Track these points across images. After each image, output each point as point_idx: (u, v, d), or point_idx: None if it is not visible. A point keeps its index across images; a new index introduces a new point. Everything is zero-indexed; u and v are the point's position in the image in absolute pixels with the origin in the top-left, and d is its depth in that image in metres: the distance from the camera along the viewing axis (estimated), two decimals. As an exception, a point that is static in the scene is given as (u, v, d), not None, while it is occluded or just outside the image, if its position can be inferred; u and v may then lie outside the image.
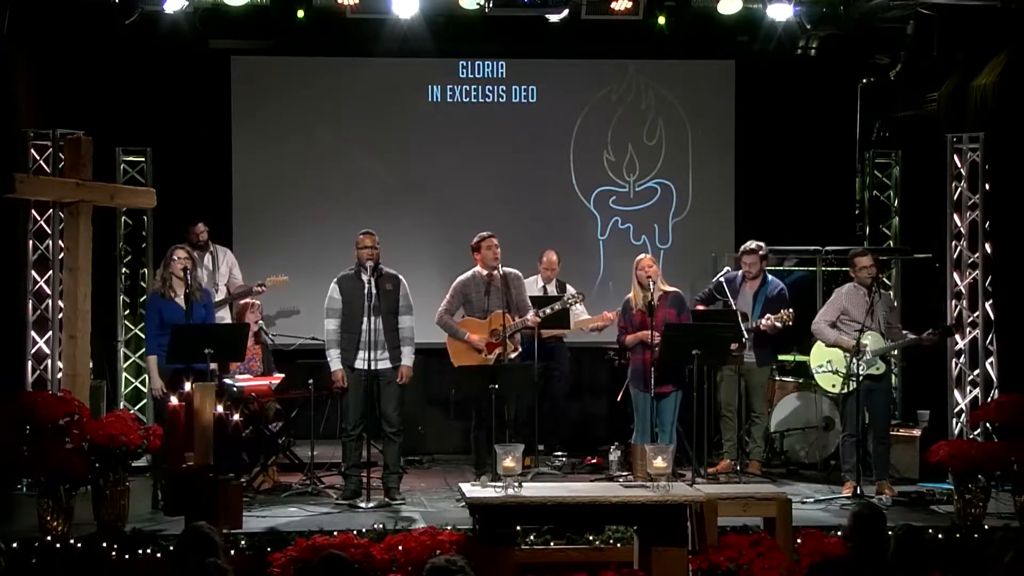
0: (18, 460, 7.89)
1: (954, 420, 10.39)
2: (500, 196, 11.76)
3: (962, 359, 10.40)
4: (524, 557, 7.50)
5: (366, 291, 9.03)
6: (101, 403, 10.19)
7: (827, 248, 11.44)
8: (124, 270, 11.15)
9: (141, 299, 10.86)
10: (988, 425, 9.65)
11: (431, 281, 10.73)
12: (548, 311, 9.73)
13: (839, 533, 7.40)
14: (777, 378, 10.83)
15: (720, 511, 7.37)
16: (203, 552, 5.58)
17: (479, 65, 11.84)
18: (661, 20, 10.62)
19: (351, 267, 9.21)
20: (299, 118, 11.67)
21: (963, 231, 10.46)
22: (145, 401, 10.87)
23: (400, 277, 9.21)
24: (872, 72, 11.80)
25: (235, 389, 9.32)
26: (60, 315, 9.38)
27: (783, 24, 10.65)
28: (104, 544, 7.61)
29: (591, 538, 7.73)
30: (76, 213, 8.78)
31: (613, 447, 9.91)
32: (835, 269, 11.43)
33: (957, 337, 10.33)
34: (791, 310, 9.86)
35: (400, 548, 7.39)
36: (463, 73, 11.84)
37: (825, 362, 9.61)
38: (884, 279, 11.45)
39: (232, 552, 7.35)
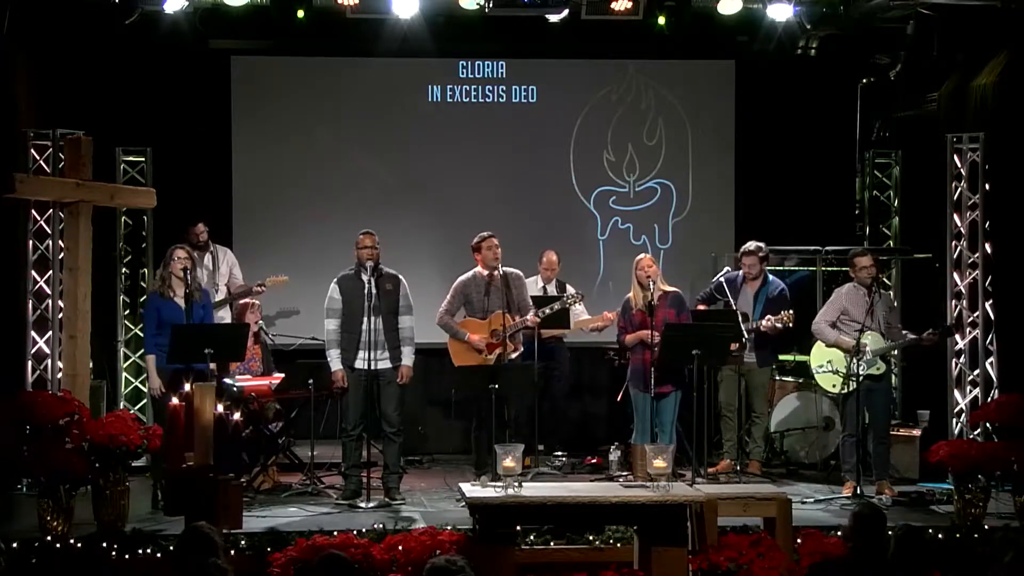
0: (18, 460, 7.89)
1: (954, 420, 10.39)
2: (500, 196, 11.76)
3: (962, 359, 10.40)
4: (524, 557, 7.50)
5: (366, 291, 9.03)
6: (101, 403, 10.19)
7: (827, 248, 11.44)
8: (124, 270, 11.15)
9: (141, 299, 10.84)
10: (988, 425, 9.65)
11: (431, 281, 10.74)
12: (548, 311, 9.73)
13: (839, 533, 7.41)
14: (777, 378, 10.82)
15: (720, 511, 7.37)
16: (203, 552, 5.58)
17: (479, 65, 11.84)
18: (661, 20, 10.63)
19: (351, 267, 9.21)
20: (299, 118, 11.67)
21: (963, 231, 10.46)
22: (145, 401, 10.85)
23: (400, 277, 9.22)
24: (872, 72, 11.80)
25: (235, 389, 9.32)
26: (60, 315, 9.38)
27: (783, 24, 10.65)
28: (104, 544, 7.61)
29: (591, 538, 7.73)
30: (76, 213, 8.78)
31: (613, 447, 9.91)
32: (835, 269, 11.43)
33: (957, 337, 10.33)
34: (791, 311, 9.85)
35: (400, 548, 7.39)
36: (463, 73, 11.84)
37: (825, 362, 9.61)
38: (884, 279, 11.45)
39: (232, 552, 7.36)
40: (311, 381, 9.64)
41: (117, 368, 11.01)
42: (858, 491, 9.11)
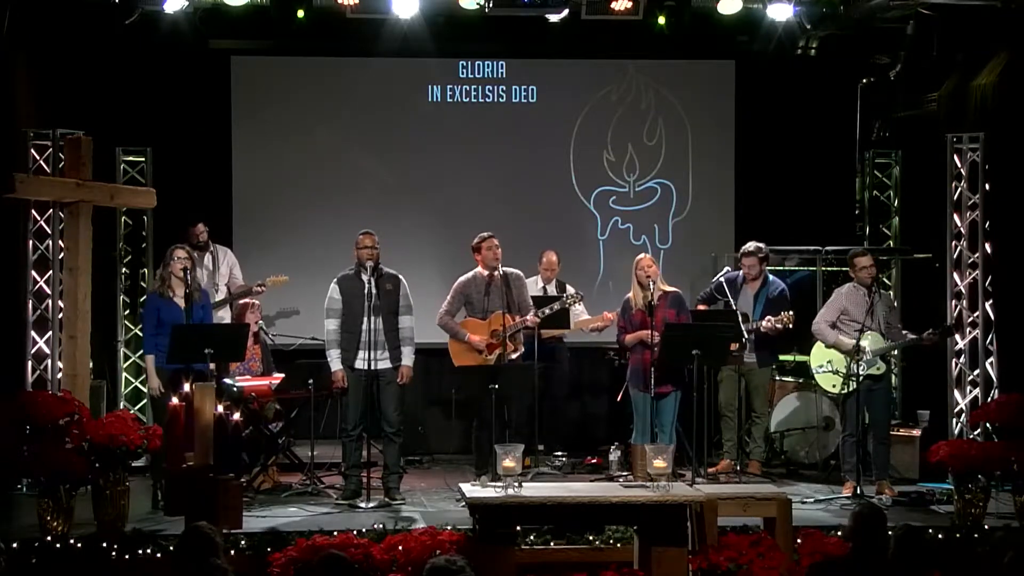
0: (18, 460, 7.88)
1: (954, 420, 10.39)
2: (500, 196, 11.77)
3: (962, 359, 10.40)
4: (524, 557, 7.49)
5: (366, 291, 9.03)
6: (101, 403, 10.19)
7: (827, 248, 11.43)
8: (124, 270, 11.15)
9: (141, 299, 10.83)
10: (988, 425, 9.65)
11: (431, 281, 10.74)
12: (548, 311, 9.73)
13: (839, 533, 7.41)
14: (777, 378, 10.82)
15: (720, 511, 7.37)
16: (203, 552, 5.58)
17: (479, 65, 11.84)
18: (661, 20, 10.64)
19: (351, 267, 9.21)
20: (299, 118, 11.67)
21: (963, 231, 10.46)
22: (145, 401, 10.85)
23: (400, 277, 9.22)
24: (872, 72, 11.79)
25: (235, 389, 9.32)
26: (60, 315, 9.38)
27: (783, 24, 10.66)
28: (104, 544, 7.61)
29: (591, 538, 7.73)
30: (76, 213, 8.78)
31: (613, 447, 9.91)
32: (835, 269, 11.43)
33: (957, 337, 10.34)
34: (791, 312, 9.85)
35: (400, 548, 7.39)
36: (463, 73, 11.84)
37: (825, 362, 9.62)
38: (884, 279, 11.47)
39: (232, 552, 7.36)
40: (311, 381, 9.64)
41: (117, 368, 11.02)
42: (858, 491, 9.11)
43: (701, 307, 10.33)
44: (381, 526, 7.90)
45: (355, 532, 7.69)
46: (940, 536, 8.10)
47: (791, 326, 9.85)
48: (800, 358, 10.86)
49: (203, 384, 8.12)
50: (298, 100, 11.70)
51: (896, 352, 9.97)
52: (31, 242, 9.91)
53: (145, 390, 10.65)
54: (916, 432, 10.30)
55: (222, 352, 8.81)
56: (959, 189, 10.49)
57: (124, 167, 11.08)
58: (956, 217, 10.51)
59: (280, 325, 11.25)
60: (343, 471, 9.17)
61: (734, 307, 10.04)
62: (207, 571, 5.36)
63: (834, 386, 9.57)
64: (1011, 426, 8.77)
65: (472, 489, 7.31)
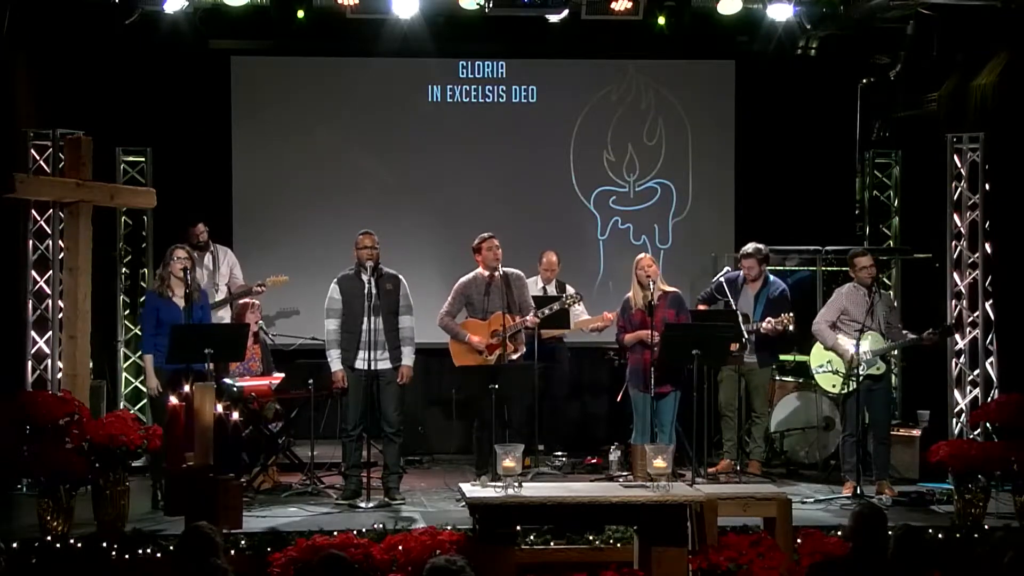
0: (18, 460, 7.88)
1: (954, 420, 10.39)
2: (500, 196, 11.77)
3: (962, 359, 10.40)
4: (524, 557, 7.49)
5: (366, 291, 9.03)
6: (101, 403, 10.19)
7: (827, 248, 11.44)
8: (124, 270, 11.15)
9: (141, 299, 10.84)
10: (988, 425, 9.65)
11: (431, 281, 10.74)
12: (548, 311, 9.73)
13: (839, 533, 7.41)
14: (777, 378, 10.82)
15: (720, 511, 7.37)
16: (203, 552, 5.58)
17: (479, 65, 11.84)
18: (661, 20, 10.63)
19: (351, 267, 9.21)
20: (299, 118, 11.67)
21: (963, 231, 10.46)
22: (145, 401, 10.85)
23: (400, 277, 9.21)
24: (872, 72, 11.79)
25: (235, 389, 9.32)
26: (60, 315, 9.38)
27: (783, 24, 10.66)
28: (104, 544, 7.61)
29: (591, 538, 7.73)
30: (76, 213, 8.78)
31: (613, 447, 9.91)
32: (835, 269, 11.43)
33: (957, 337, 10.34)
34: (791, 314, 9.85)
35: (400, 548, 7.39)
36: (463, 73, 11.84)
37: (825, 362, 9.62)
38: (884, 279, 11.46)
39: (232, 552, 7.36)
40: (311, 381, 9.64)
41: (117, 368, 11.02)
42: (858, 491, 9.11)
43: (701, 307, 10.33)
44: (381, 526, 7.90)
45: (355, 532, 7.69)
46: (940, 536, 8.10)
47: (791, 327, 9.85)
48: (800, 358, 10.86)
49: (203, 384, 8.12)
50: (298, 100, 11.70)
51: (896, 352, 9.97)
52: (31, 242, 9.91)
53: (145, 390, 10.68)
54: (916, 432, 10.30)
55: (222, 352, 8.80)
56: (959, 189, 10.49)
57: (124, 167, 11.08)
58: (956, 217, 10.51)
59: (280, 325, 11.25)
60: (343, 471, 9.17)
61: (734, 307, 10.04)
62: (207, 571, 5.37)
63: (834, 386, 9.57)
64: (1011, 426, 8.77)
65: (472, 489, 7.31)
